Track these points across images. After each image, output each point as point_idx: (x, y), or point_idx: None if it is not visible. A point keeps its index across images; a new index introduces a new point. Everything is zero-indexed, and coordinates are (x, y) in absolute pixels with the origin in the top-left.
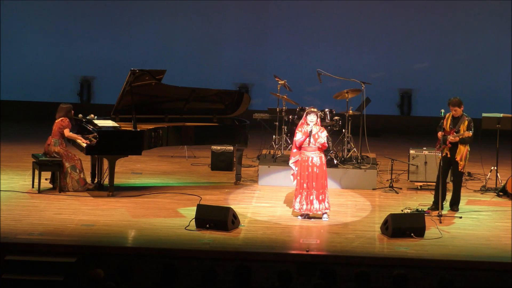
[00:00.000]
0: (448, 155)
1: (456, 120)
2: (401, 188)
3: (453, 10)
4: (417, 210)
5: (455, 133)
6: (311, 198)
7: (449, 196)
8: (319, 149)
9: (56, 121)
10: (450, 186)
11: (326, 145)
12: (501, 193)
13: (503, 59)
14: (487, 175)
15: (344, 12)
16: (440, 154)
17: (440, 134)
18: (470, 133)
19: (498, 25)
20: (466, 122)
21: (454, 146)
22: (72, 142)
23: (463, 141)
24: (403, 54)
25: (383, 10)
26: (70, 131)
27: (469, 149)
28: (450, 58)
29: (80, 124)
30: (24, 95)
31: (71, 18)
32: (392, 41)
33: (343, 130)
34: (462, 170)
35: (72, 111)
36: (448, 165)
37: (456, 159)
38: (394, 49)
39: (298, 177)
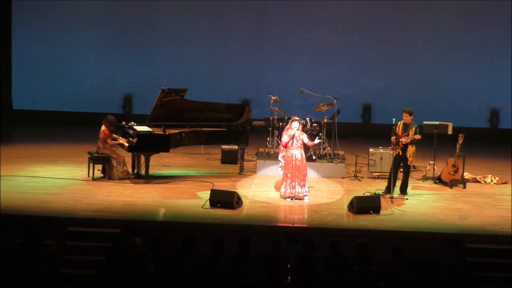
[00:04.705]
0: (400, 154)
1: (406, 126)
2: (363, 177)
3: (401, 39)
4: (374, 193)
5: (406, 136)
6: (293, 184)
7: (398, 183)
8: (302, 147)
9: (101, 129)
10: (400, 175)
11: (311, 142)
12: (437, 181)
13: (440, 78)
14: (426, 167)
15: (323, 43)
16: (393, 152)
17: (393, 138)
18: (419, 136)
19: (435, 51)
20: (414, 128)
21: (405, 146)
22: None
23: (412, 142)
24: (364, 76)
25: (352, 43)
26: (112, 135)
27: (415, 148)
28: (400, 79)
29: (124, 129)
30: (79, 107)
31: (115, 48)
32: (358, 65)
33: (320, 134)
34: (410, 164)
35: (115, 123)
36: (400, 161)
37: (406, 156)
38: (359, 72)
39: (284, 169)
